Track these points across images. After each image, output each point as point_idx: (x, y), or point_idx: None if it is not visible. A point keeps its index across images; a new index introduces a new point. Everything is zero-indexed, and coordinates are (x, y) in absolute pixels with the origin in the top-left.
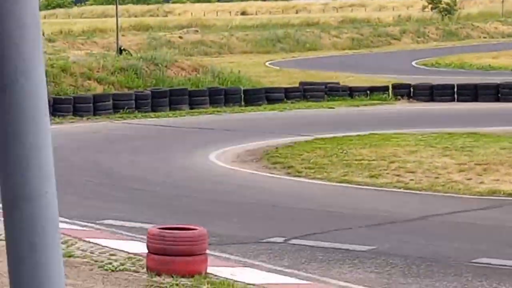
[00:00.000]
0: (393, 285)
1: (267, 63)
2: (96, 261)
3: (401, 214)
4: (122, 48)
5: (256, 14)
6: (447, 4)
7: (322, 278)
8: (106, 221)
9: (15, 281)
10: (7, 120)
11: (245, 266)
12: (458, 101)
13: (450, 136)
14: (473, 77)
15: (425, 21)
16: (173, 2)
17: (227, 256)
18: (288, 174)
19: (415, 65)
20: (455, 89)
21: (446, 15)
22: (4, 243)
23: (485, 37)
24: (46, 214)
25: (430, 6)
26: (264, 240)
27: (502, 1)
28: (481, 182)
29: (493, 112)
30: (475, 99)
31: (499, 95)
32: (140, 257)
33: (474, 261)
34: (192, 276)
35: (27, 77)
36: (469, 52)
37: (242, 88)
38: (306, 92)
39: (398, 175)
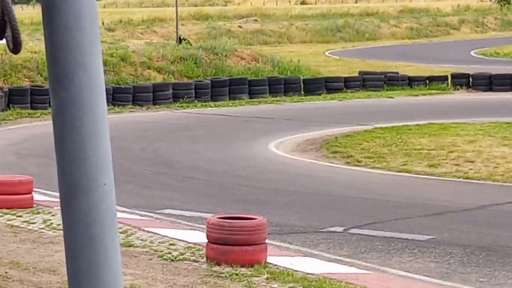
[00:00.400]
0: (453, 274)
1: (326, 53)
2: (155, 250)
3: (460, 204)
4: (181, 37)
5: (316, 3)
6: None
7: (381, 268)
8: (165, 211)
9: (72, 271)
10: (66, 111)
11: (305, 256)
12: None
13: (508, 125)
14: None
15: (484, 11)
16: None
17: (287, 245)
18: (348, 163)
19: (474, 54)
20: None
21: (504, 5)
22: (62, 233)
23: None
24: (103, 205)
25: None
26: (323, 230)
27: None
28: None
29: None
30: None
31: None
32: (200, 247)
33: None
34: (252, 266)
35: (86, 69)
36: None
37: (302, 78)
38: (366, 82)
39: (457, 165)
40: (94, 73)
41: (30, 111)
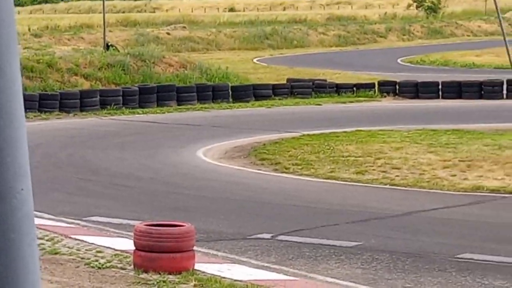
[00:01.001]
0: (379, 280)
1: (254, 60)
2: (82, 258)
3: (387, 210)
4: (109, 43)
5: (244, 10)
6: (432, 2)
7: (309, 274)
8: (92, 218)
9: None
10: None
11: (233, 263)
12: (442, 98)
13: (434, 133)
14: (457, 75)
15: (410, 19)
16: None
17: (215, 252)
18: (276, 170)
19: (401, 62)
20: (440, 86)
21: (430, 13)
22: None
23: (468, 35)
24: (21, 211)
25: (415, 4)
26: (251, 237)
27: (486, 0)
28: (465, 179)
29: (476, 109)
30: (459, 96)
31: (482, 92)
32: (127, 254)
33: (458, 256)
34: (180, 273)
35: (2, 74)
36: (453, 50)
37: (230, 85)
38: (294, 89)
39: (384, 172)
40: (11, 77)
41: None
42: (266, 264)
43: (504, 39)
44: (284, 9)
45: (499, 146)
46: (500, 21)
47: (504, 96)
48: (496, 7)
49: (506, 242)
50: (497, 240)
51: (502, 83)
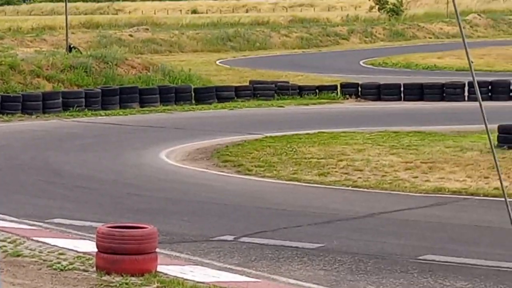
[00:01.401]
0: (341, 282)
1: (217, 62)
2: (44, 260)
3: (349, 212)
4: (71, 45)
5: (207, 12)
6: (394, 4)
7: (271, 276)
8: (55, 220)
9: None
10: None
11: (195, 265)
12: (404, 100)
13: (396, 134)
14: (419, 77)
15: (373, 21)
16: (123, 0)
17: (177, 254)
18: (238, 172)
19: (363, 64)
20: (402, 89)
21: (393, 15)
22: None
23: (430, 38)
24: None
25: (377, 6)
26: (214, 238)
27: (447, 2)
28: (427, 180)
29: (438, 111)
30: (421, 98)
31: (444, 94)
32: (90, 256)
33: (420, 257)
34: (142, 275)
35: None
36: (415, 52)
37: (193, 87)
38: (256, 91)
39: (346, 173)
40: None
41: None
42: (228, 266)
43: (464, 41)
44: (247, 11)
45: (460, 148)
46: (459, 23)
47: (466, 98)
48: (456, 10)
49: (468, 244)
50: (459, 242)
51: (463, 85)
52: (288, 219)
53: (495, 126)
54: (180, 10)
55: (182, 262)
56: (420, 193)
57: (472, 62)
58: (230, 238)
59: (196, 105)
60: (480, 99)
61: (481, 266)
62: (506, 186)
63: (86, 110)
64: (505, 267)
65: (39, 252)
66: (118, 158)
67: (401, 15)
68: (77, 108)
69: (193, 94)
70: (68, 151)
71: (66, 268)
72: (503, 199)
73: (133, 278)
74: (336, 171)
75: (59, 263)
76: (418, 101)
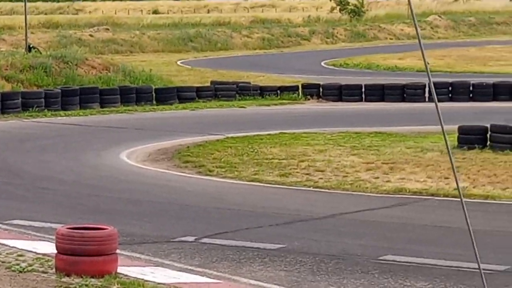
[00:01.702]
0: (303, 282)
1: (178, 62)
2: (3, 262)
3: (310, 213)
4: (31, 45)
5: (168, 13)
6: (355, 5)
7: (232, 277)
8: (14, 221)
9: None
10: None
11: (156, 266)
12: (365, 101)
13: (358, 135)
14: (380, 78)
15: (334, 22)
16: (84, 0)
17: (138, 255)
18: (199, 173)
19: (324, 65)
20: (363, 89)
21: (354, 16)
22: None
23: (391, 39)
24: None
25: (338, 7)
26: (175, 240)
27: (408, 3)
28: (388, 181)
29: (399, 112)
30: (382, 99)
31: (405, 95)
32: (49, 258)
33: (380, 258)
34: (102, 276)
35: None
36: (376, 53)
37: (154, 87)
38: (218, 92)
39: (307, 174)
40: None
41: None
42: (189, 267)
43: (420, 43)
44: (208, 11)
45: (421, 148)
46: (415, 24)
47: (426, 99)
48: (412, 11)
49: (428, 244)
50: (419, 242)
51: (424, 86)
52: (249, 220)
53: (455, 127)
54: (141, 10)
55: (143, 263)
56: (381, 193)
57: (428, 64)
58: (191, 239)
59: (157, 105)
60: (436, 100)
61: (442, 266)
62: (466, 187)
63: (46, 110)
64: (465, 267)
65: None
66: (78, 158)
67: (362, 16)
68: (37, 109)
69: (154, 95)
70: (27, 152)
71: (25, 270)
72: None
73: (93, 280)
74: (297, 172)
75: (18, 264)
76: (379, 102)
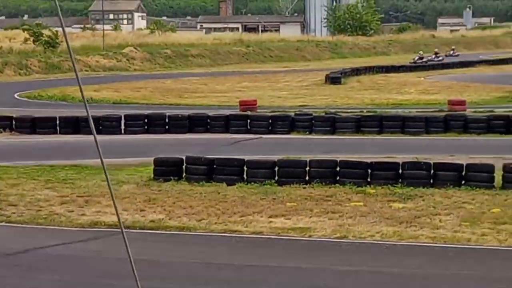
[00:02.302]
0: None
1: None
2: None
3: (2, 248)
4: None
5: None
6: (49, 37)
7: None
8: None
9: None
10: None
11: None
12: (60, 133)
13: (52, 168)
14: (76, 110)
15: (28, 53)
16: None
17: None
18: None
19: (18, 97)
20: (58, 121)
21: (48, 47)
22: None
23: (87, 70)
24: None
25: (32, 39)
26: None
27: (103, 36)
28: (83, 214)
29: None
30: (77, 131)
31: (101, 127)
32: None
33: None
34: None
35: None
36: (71, 85)
37: None
38: None
39: (0, 209)
40: None
41: None
42: None
43: (77, 77)
44: None
45: (117, 181)
46: (71, 56)
47: (122, 131)
48: (68, 45)
49: (123, 277)
50: (114, 275)
51: (120, 118)
52: None
53: (151, 159)
54: None
55: None
56: (76, 227)
57: (88, 100)
58: None
59: None
60: (95, 133)
61: None
62: (162, 219)
63: None
64: None
65: None
66: None
67: (57, 47)
68: None
69: None
70: None
71: None
72: (158, 231)
73: None
74: None
75: None
76: (75, 134)
